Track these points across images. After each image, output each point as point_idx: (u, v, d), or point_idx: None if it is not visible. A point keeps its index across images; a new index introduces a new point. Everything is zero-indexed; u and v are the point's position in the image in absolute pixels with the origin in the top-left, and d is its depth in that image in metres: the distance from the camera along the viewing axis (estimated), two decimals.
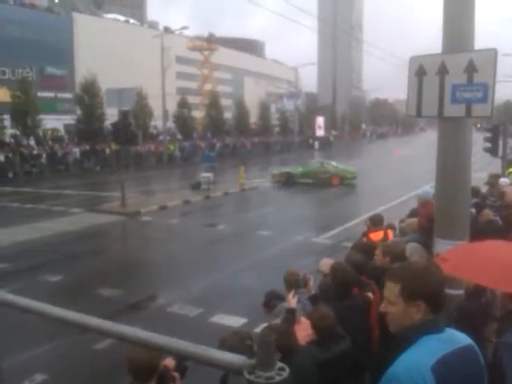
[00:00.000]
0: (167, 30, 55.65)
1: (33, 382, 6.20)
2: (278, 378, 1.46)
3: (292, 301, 3.94)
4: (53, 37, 51.51)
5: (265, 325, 4.07)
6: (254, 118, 62.41)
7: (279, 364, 1.54)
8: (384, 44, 70.90)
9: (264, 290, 4.81)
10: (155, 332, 1.75)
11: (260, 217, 18.10)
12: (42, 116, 37.43)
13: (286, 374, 1.53)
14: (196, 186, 23.73)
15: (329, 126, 75.74)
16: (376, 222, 6.63)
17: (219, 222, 17.14)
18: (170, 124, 48.75)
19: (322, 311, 3.63)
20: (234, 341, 3.05)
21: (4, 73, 47.64)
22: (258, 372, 1.49)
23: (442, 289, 2.02)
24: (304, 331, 3.69)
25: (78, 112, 41.53)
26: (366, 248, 5.27)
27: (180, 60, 63.11)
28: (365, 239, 6.52)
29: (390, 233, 6.62)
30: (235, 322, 7.84)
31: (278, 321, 3.93)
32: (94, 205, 20.05)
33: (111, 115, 28.49)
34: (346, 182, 26.90)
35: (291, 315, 3.82)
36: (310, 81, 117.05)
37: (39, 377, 6.34)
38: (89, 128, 39.08)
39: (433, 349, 1.89)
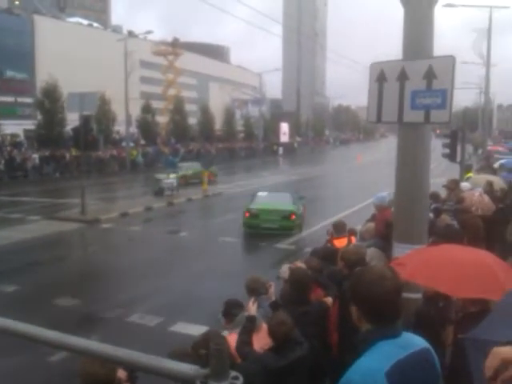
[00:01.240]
0: (131, 34, 54.99)
1: None
2: None
3: (252, 308, 3.90)
4: (12, 39, 50.17)
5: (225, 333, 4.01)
6: (218, 124, 62.31)
7: (233, 373, 1.50)
8: (347, 51, 72.19)
9: (225, 298, 4.75)
10: (114, 343, 1.68)
11: (223, 223, 18.01)
12: (0, 121, 36.36)
13: (239, 382, 1.49)
14: (159, 193, 23.46)
15: (293, 132, 76.36)
16: (339, 228, 6.67)
17: (182, 229, 16.98)
18: (133, 129, 48.14)
19: (279, 318, 3.60)
20: (187, 350, 2.99)
21: None
22: (212, 382, 1.46)
23: (394, 297, 1.98)
24: (263, 338, 3.66)
25: (39, 117, 40.53)
26: (326, 253, 5.29)
27: (144, 64, 62.43)
28: (329, 245, 6.54)
29: (354, 239, 6.67)
30: (196, 330, 7.72)
31: (238, 330, 3.87)
32: (53, 212, 19.52)
33: (72, 120, 27.89)
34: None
35: (251, 323, 3.78)
36: (274, 87, 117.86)
37: None
38: (49, 133, 38.15)
39: (388, 354, 1.89)
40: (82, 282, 11.47)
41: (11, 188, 27.33)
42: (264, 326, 3.78)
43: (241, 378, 1.50)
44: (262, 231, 14.92)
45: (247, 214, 15.61)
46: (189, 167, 30.21)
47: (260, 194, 17.04)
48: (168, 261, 13.08)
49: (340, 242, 6.40)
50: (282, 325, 3.52)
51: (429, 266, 3.26)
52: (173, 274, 11.57)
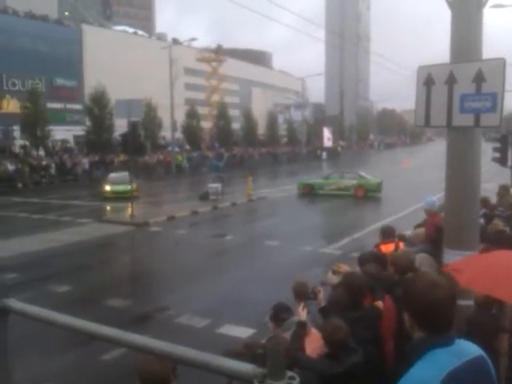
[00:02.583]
0: (175, 41, 56.08)
1: None
2: None
3: (302, 313, 3.87)
4: (62, 48, 52.07)
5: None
6: (261, 129, 62.55)
7: (289, 373, 1.53)
8: (391, 54, 71.03)
9: (271, 301, 4.78)
10: None
11: (268, 227, 18.09)
12: (51, 127, 37.73)
13: (296, 383, 1.52)
14: (204, 197, 23.79)
15: (337, 137, 75.74)
16: (387, 233, 6.55)
17: (227, 233, 17.14)
18: (179, 134, 48.97)
19: (335, 324, 3.55)
20: (243, 350, 3.02)
21: (14, 84, 48.12)
22: (269, 381, 1.49)
23: (448, 305, 1.95)
24: (314, 343, 3.65)
25: (88, 123, 41.85)
26: (374, 258, 5.23)
27: (188, 71, 63.49)
28: (375, 250, 6.45)
29: (401, 244, 6.54)
30: (243, 332, 7.81)
31: (287, 335, 3.87)
32: (102, 215, 20.14)
33: (120, 126, 28.65)
34: (369, 195, 25.79)
35: (301, 328, 3.76)
36: (317, 91, 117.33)
37: None
38: (98, 139, 39.36)
39: (442, 362, 1.85)
40: (132, 283, 11.78)
41: (62, 192, 28.33)
42: (314, 331, 3.77)
43: (297, 379, 1.54)
44: None
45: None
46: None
47: None
48: (214, 264, 13.26)
49: (387, 248, 6.30)
50: (337, 331, 3.49)
51: (488, 274, 3.17)
52: (219, 276, 11.71)
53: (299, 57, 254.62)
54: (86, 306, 9.23)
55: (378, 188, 26.06)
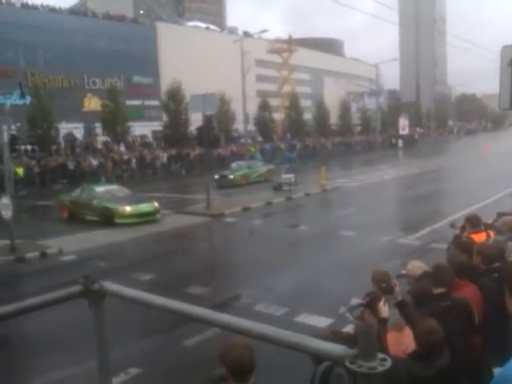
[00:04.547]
0: (246, 34, 56.48)
1: (128, 374, 6.49)
2: (380, 369, 1.46)
3: (384, 309, 3.65)
4: (139, 47, 53.96)
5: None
6: (334, 118, 61.74)
7: (381, 355, 1.54)
8: (470, 36, 67.53)
9: (347, 292, 4.72)
10: None
11: (343, 217, 17.90)
12: (130, 123, 39.37)
13: (388, 364, 1.53)
14: (278, 188, 23.92)
15: (413, 124, 73.24)
16: (475, 222, 6.24)
17: (301, 223, 17.15)
18: (251, 127, 49.40)
19: (430, 325, 3.37)
20: (330, 335, 2.99)
21: (95, 83, 50.48)
22: (360, 362, 1.49)
23: None
24: (405, 338, 3.53)
25: (164, 118, 43.23)
26: (464, 248, 5.02)
27: (259, 63, 63.74)
28: (465, 240, 6.16)
29: (492, 233, 6.23)
30: (321, 322, 7.81)
31: None
32: (181, 207, 20.79)
33: (195, 120, 29.38)
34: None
35: (383, 326, 3.54)
36: (392, 78, 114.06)
37: (133, 370, 6.66)
38: (174, 133, 40.59)
39: None
40: (210, 272, 12.11)
41: (142, 185, 29.43)
42: (407, 328, 3.61)
43: (389, 360, 1.54)
44: None
45: None
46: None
47: None
48: (288, 254, 13.33)
49: (479, 237, 6.00)
50: (433, 333, 3.31)
51: None
52: (293, 266, 11.77)
53: (372, 43, 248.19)
54: (168, 293, 9.54)
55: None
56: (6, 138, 15.14)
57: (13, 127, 20.54)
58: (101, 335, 2.73)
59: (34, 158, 32.08)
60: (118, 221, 17.12)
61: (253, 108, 48.80)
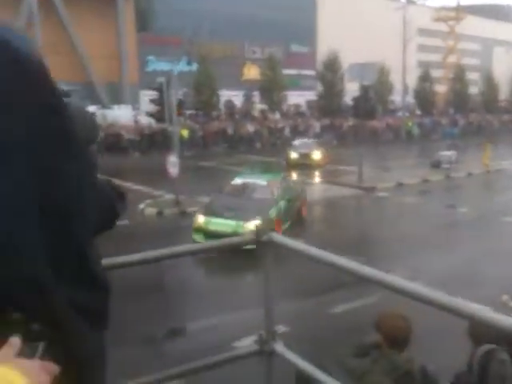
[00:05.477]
0: (409, 1, 53.58)
1: (278, 330, 6.75)
2: None
3: None
4: (299, 15, 54.04)
5: None
6: (504, 94, 56.32)
7: None
8: None
9: (509, 280, 4.30)
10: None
11: (506, 202, 16.39)
12: (286, 92, 39.99)
13: None
14: (436, 165, 22.66)
15: None
16: None
17: (460, 204, 16.08)
18: (410, 99, 47.20)
19: None
20: None
21: (255, 52, 51.90)
22: None
23: None
24: None
25: (319, 88, 43.13)
26: None
27: (422, 32, 60.13)
28: None
29: None
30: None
31: None
32: (331, 177, 20.76)
33: (350, 91, 28.87)
34: None
35: None
36: None
37: (282, 328, 6.89)
38: (329, 103, 40.36)
39: None
40: (357, 246, 11.93)
41: None
42: None
43: None
44: None
45: None
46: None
47: None
48: (444, 235, 12.63)
49: None
50: None
51: None
52: (448, 249, 11.16)
53: None
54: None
55: None
56: (174, 101, 16.26)
57: (180, 92, 21.99)
58: (268, 282, 2.85)
59: (198, 122, 34.23)
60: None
61: (412, 79, 46.47)
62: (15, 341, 0.81)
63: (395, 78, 42.28)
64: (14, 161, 0.86)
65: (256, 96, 43.24)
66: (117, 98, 37.07)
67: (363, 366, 2.84)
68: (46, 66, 0.93)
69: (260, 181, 12.95)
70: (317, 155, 24.04)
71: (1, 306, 0.87)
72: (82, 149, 1.03)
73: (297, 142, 26.15)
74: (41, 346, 0.86)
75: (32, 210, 0.89)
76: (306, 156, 23.79)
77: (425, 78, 47.87)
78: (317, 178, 21.30)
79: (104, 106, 32.60)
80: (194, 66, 38.29)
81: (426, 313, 2.94)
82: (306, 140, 27.36)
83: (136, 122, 31.26)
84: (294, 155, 24.09)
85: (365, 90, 19.82)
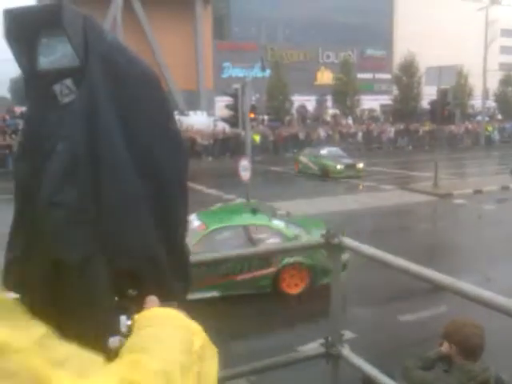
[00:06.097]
0: (494, 1, 51.23)
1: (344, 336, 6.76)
2: None
3: None
4: (374, 19, 53.19)
5: None
6: None
7: None
8: None
9: None
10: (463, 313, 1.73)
11: None
12: (359, 96, 39.51)
13: None
14: None
15: None
16: None
17: None
18: (490, 103, 45.12)
19: None
20: None
21: (328, 56, 51.65)
22: None
23: None
24: None
25: (395, 92, 42.26)
26: None
27: (505, 33, 57.30)
28: None
29: None
30: None
31: None
32: (405, 183, 20.30)
33: (427, 95, 28.11)
34: None
35: None
36: None
37: (348, 334, 6.90)
38: (404, 107, 39.47)
39: None
40: (428, 252, 11.61)
41: (367, 158, 29.49)
42: None
43: None
44: None
45: None
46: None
47: None
48: None
49: None
50: None
51: None
52: None
53: None
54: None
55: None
56: (248, 107, 16.56)
57: (253, 98, 22.39)
58: (337, 284, 2.94)
59: (270, 126, 34.61)
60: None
61: (493, 82, 44.40)
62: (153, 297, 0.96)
63: (475, 82, 40.62)
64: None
65: (329, 101, 43.09)
66: (193, 104, 38.24)
67: (432, 378, 2.79)
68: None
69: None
70: (361, 165, 22.66)
71: (121, 284, 1.04)
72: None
73: (325, 151, 24.07)
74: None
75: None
76: (351, 167, 22.40)
77: (507, 81, 45.64)
78: (389, 183, 20.90)
79: (181, 113, 33.75)
80: (268, 72, 38.74)
81: (494, 321, 2.92)
82: (333, 148, 25.42)
83: (215, 126, 32.16)
84: (339, 167, 22.20)
85: (443, 93, 19.24)
